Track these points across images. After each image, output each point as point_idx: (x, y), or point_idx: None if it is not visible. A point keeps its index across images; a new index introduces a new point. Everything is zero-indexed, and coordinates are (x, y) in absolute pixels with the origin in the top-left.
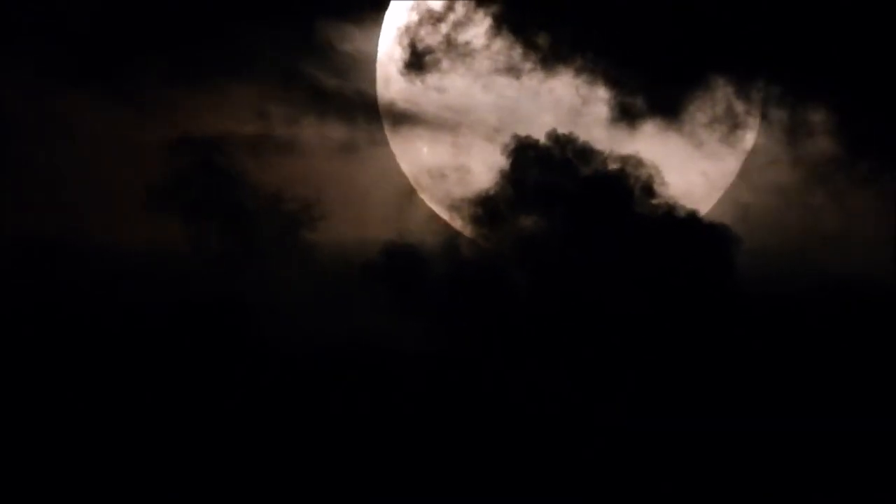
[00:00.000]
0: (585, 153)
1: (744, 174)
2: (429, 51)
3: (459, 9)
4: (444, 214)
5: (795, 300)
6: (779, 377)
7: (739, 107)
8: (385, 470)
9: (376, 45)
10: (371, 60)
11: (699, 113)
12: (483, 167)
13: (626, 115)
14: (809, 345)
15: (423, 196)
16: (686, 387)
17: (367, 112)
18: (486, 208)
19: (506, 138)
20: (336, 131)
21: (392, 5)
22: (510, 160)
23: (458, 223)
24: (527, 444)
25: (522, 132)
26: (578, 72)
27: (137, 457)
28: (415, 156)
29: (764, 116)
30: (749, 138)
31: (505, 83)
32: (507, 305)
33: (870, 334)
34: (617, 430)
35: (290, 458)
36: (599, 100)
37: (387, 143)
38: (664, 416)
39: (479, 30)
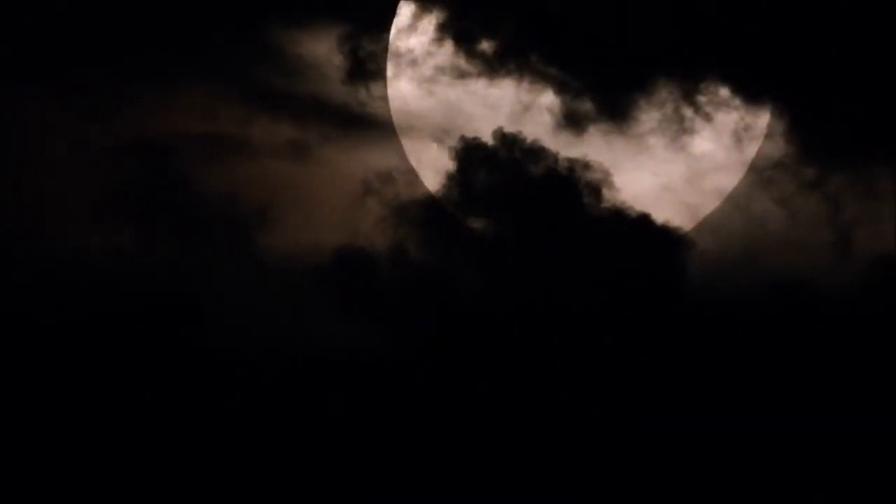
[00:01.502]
0: (534, 151)
1: (692, 178)
2: (373, 57)
3: (403, 16)
4: (395, 217)
5: (743, 304)
6: (730, 379)
7: (687, 111)
8: (339, 475)
9: (328, 48)
10: (323, 64)
11: (646, 117)
12: (430, 170)
13: (572, 120)
14: (758, 348)
15: (374, 199)
16: (639, 388)
17: (319, 115)
18: (435, 210)
19: (453, 141)
20: (288, 134)
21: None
22: (457, 162)
23: (407, 226)
24: (485, 447)
25: (470, 135)
26: (523, 76)
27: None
28: (365, 159)
29: (712, 120)
30: (697, 143)
31: (449, 88)
32: (458, 307)
33: (816, 336)
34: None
35: (242, 462)
36: (544, 105)
37: (339, 147)
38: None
39: (423, 38)
